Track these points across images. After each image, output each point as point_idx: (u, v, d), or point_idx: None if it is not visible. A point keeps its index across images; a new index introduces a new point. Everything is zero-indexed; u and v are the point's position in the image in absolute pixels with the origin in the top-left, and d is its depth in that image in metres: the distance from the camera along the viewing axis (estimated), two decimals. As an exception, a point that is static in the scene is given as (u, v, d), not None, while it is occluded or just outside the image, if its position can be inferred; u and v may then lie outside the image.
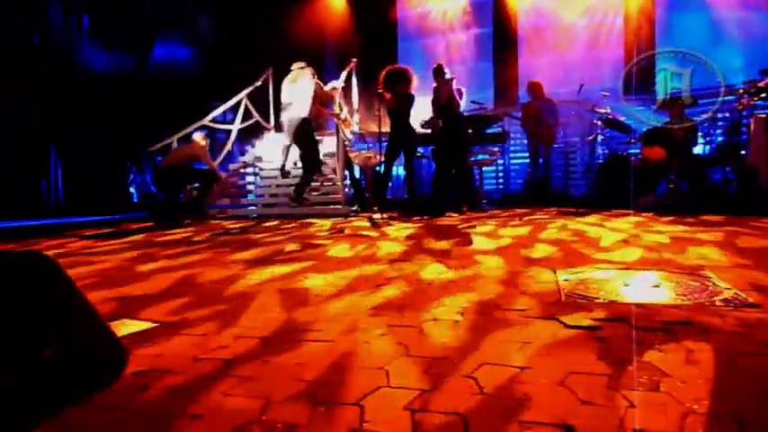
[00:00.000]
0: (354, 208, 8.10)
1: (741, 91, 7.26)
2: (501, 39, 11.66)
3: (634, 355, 1.56)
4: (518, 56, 11.50)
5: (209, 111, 8.83)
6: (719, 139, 7.76)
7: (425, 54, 12.19)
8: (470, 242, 4.28)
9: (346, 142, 8.43)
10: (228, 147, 9.20)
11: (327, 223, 6.51)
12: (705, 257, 3.15)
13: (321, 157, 8.02)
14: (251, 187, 9.66)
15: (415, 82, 7.23)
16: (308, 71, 7.45)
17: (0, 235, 6.00)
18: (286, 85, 7.47)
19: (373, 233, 5.28)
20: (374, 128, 7.88)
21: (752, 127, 6.91)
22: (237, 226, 6.63)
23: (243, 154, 9.92)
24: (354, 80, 9.21)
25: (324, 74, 8.05)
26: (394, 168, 8.38)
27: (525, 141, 9.43)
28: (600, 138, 8.70)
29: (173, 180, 7.81)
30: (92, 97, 9.92)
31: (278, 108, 7.96)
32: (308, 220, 7.02)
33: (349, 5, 12.61)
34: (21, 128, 9.15)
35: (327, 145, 8.57)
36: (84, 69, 10.20)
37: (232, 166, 9.38)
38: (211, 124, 8.85)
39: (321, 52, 9.41)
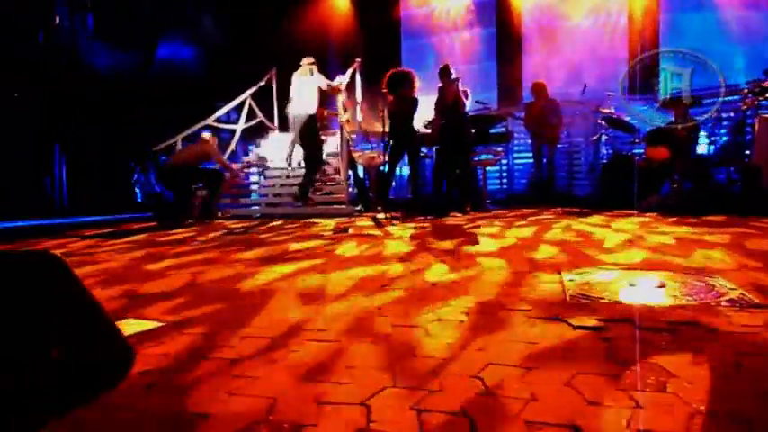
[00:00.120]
0: (358, 208, 8.10)
1: (746, 91, 7.24)
2: (505, 38, 11.65)
3: (640, 356, 1.56)
4: (522, 56, 11.48)
5: (214, 111, 8.85)
6: (724, 139, 7.74)
7: (429, 53, 12.19)
8: (474, 242, 4.27)
9: (350, 142, 8.44)
10: (232, 147, 9.22)
11: (331, 223, 6.52)
12: (710, 258, 3.15)
13: (324, 156, 8.05)
14: (254, 187, 9.67)
15: (418, 84, 7.24)
16: (315, 67, 7.53)
17: (0, 235, 6.02)
18: (295, 79, 7.54)
19: (377, 233, 5.28)
20: (378, 128, 7.89)
21: (756, 127, 6.89)
22: (241, 226, 6.64)
23: (246, 154, 9.94)
24: (358, 80, 9.21)
25: (327, 74, 8.07)
26: (397, 168, 8.40)
27: (529, 141, 9.42)
28: (604, 138, 8.69)
29: (180, 179, 7.81)
30: (96, 97, 9.95)
31: (285, 103, 8.04)
32: (312, 220, 7.03)
33: (352, 5, 12.61)
34: (25, 127, 9.18)
35: (331, 145, 8.59)
36: (89, 69, 10.23)
37: (235, 166, 9.39)
38: (215, 124, 8.87)
39: (324, 52, 9.42)
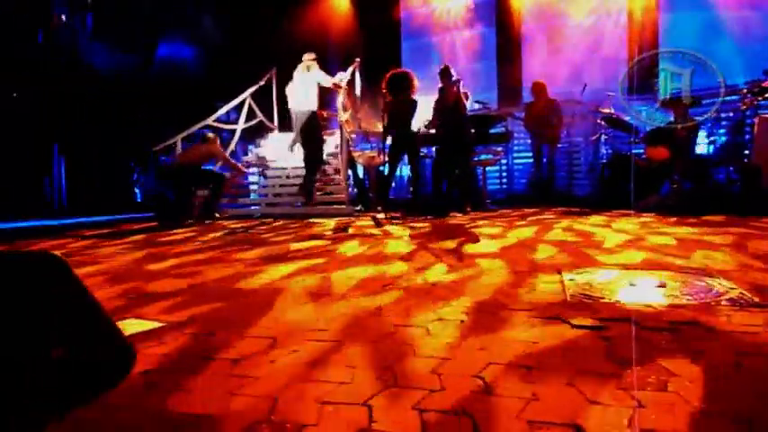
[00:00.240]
0: (358, 207, 8.10)
1: (745, 91, 7.24)
2: (505, 38, 11.65)
3: (640, 355, 1.56)
4: (522, 56, 11.48)
5: (214, 110, 8.85)
6: (723, 138, 7.74)
7: (429, 53, 12.19)
8: (475, 242, 4.28)
9: (350, 142, 8.45)
10: (232, 146, 9.22)
11: (331, 223, 6.52)
12: (710, 258, 3.15)
13: (325, 156, 8.08)
14: (254, 187, 9.67)
15: (417, 85, 7.26)
16: (316, 64, 7.61)
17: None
18: (297, 75, 7.58)
19: (377, 233, 5.29)
20: (378, 128, 7.90)
21: (756, 127, 6.90)
22: (241, 226, 6.64)
23: (246, 154, 9.93)
24: (358, 79, 9.21)
25: (328, 72, 8.11)
26: (398, 169, 8.42)
27: (529, 141, 9.42)
28: (603, 137, 8.69)
29: (186, 178, 7.84)
30: (96, 97, 9.95)
31: (285, 101, 8.13)
32: (312, 220, 7.03)
33: (352, 5, 12.61)
34: (24, 127, 9.18)
35: (331, 144, 8.59)
36: (88, 69, 10.23)
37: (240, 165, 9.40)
38: (215, 124, 8.87)
39: (324, 51, 9.40)
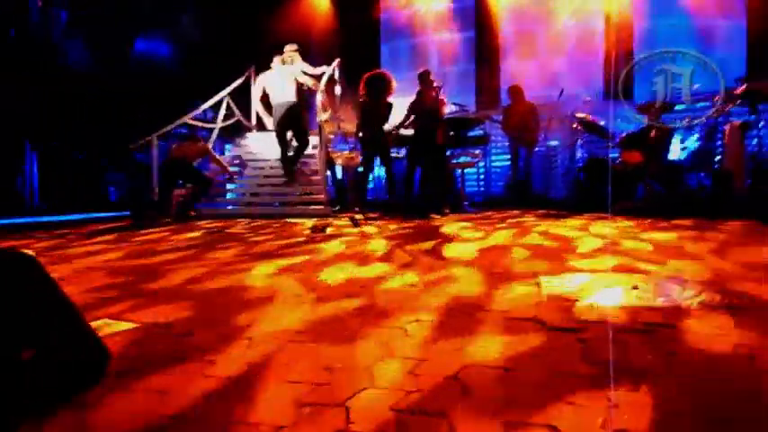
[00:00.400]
0: (336, 208, 8.09)
1: (716, 98, 7.39)
2: (484, 42, 11.72)
3: (615, 357, 1.59)
4: (500, 59, 11.57)
5: (192, 109, 8.75)
6: (696, 144, 7.89)
7: (408, 55, 12.22)
8: (452, 244, 4.30)
9: (328, 144, 8.44)
10: (210, 145, 9.12)
11: (309, 223, 6.49)
12: (683, 260, 3.21)
13: (304, 154, 8.16)
14: (231, 186, 9.57)
15: (395, 86, 7.29)
16: (298, 55, 7.65)
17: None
18: (275, 67, 7.61)
19: (355, 233, 5.28)
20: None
21: (727, 133, 7.06)
22: (218, 225, 6.58)
23: (223, 153, 9.84)
24: (338, 79, 9.21)
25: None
26: (375, 169, 8.44)
27: (507, 144, 9.50)
28: (580, 141, 8.80)
29: (175, 172, 7.80)
30: (69, 94, 9.76)
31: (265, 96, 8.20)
32: (290, 220, 6.99)
33: (333, 5, 12.58)
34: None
35: (309, 144, 8.55)
36: (62, 65, 10.04)
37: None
38: (193, 122, 8.77)
39: (305, 51, 9.37)
